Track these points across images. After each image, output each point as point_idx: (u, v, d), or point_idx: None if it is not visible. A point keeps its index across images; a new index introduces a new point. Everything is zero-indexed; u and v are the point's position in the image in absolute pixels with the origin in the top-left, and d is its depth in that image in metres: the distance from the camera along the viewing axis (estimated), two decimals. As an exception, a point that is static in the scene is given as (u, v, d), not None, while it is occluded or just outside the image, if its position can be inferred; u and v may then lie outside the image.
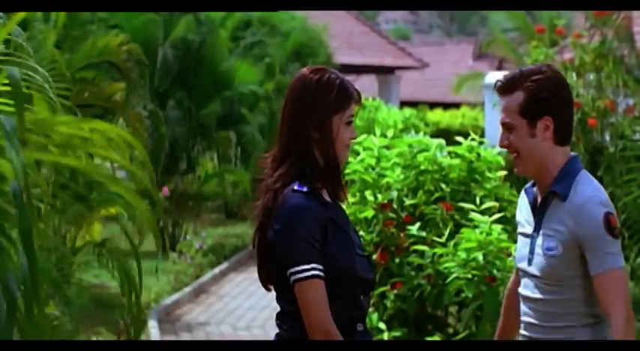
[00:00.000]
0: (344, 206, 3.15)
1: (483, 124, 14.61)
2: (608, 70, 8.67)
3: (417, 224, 5.97)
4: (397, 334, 5.92)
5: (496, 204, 5.96)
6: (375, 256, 5.95)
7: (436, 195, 6.08)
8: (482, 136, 6.68)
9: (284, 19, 17.02)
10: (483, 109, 14.69)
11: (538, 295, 3.13)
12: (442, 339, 5.96)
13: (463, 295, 5.49)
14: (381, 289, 5.99)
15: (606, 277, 3.01)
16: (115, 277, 5.60)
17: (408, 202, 6.11)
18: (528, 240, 3.18)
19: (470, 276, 5.44)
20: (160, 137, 11.80)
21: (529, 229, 3.19)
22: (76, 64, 8.22)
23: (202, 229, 13.02)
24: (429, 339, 5.86)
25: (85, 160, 2.23)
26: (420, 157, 6.18)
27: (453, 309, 6.23)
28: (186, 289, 10.21)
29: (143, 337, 7.89)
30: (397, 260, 6.04)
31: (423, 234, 5.92)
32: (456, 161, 6.16)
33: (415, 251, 5.88)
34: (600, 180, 8.00)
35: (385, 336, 5.88)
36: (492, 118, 10.87)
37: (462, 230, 5.59)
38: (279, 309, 3.07)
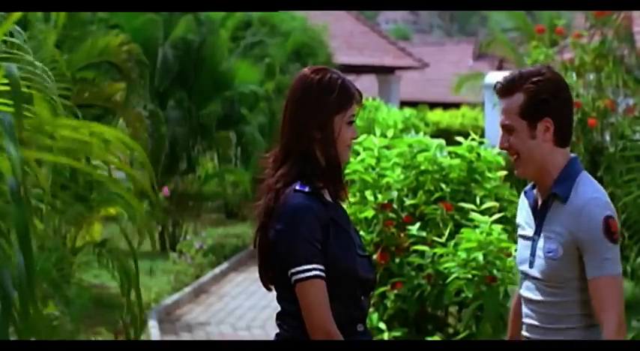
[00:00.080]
0: (344, 206, 3.15)
1: (483, 124, 14.63)
2: (608, 70, 8.68)
3: (417, 224, 5.97)
4: (397, 334, 5.92)
5: (496, 204, 5.96)
6: (375, 256, 5.95)
7: (436, 195, 6.08)
8: (482, 136, 6.68)
9: (284, 19, 17.01)
10: (483, 109, 14.71)
11: (539, 297, 3.13)
12: (442, 339, 5.96)
13: (463, 295, 5.49)
14: (382, 289, 6.00)
15: (602, 282, 3.01)
16: (114, 277, 5.61)
17: (408, 202, 6.11)
18: (529, 242, 3.18)
19: (470, 276, 5.44)
20: (160, 137, 11.81)
21: (530, 232, 3.19)
22: (76, 64, 8.22)
23: (202, 229, 13.02)
24: (429, 339, 5.86)
25: (85, 162, 2.23)
26: (420, 157, 6.18)
27: (453, 309, 6.23)
28: (187, 289, 10.21)
29: (143, 337, 7.89)
30: (397, 260, 6.04)
31: (423, 234, 5.92)
32: (456, 161, 6.16)
33: (415, 251, 5.88)
34: (600, 180, 8.01)
35: (385, 336, 5.88)
36: (492, 118, 10.88)
37: (462, 230, 5.59)
38: (279, 309, 3.07)
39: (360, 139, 6.31)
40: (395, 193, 6.11)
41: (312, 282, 2.90)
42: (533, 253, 3.15)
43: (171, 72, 12.46)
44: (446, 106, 26.55)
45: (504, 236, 5.51)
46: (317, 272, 2.90)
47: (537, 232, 3.15)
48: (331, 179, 3.05)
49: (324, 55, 17.32)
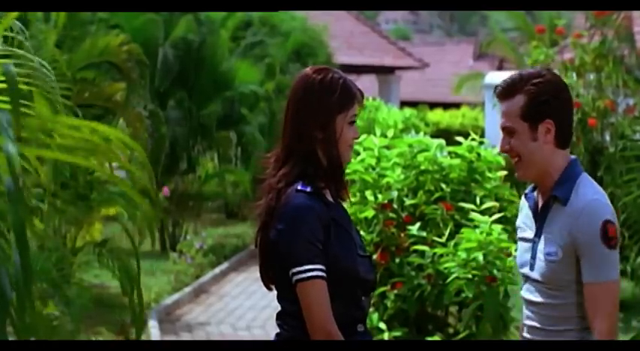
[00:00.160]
0: (345, 206, 3.15)
1: (483, 124, 14.65)
2: (609, 70, 8.68)
3: (418, 224, 5.97)
4: (397, 334, 5.92)
5: (496, 204, 5.96)
6: (375, 256, 5.95)
7: (436, 195, 6.08)
8: (482, 136, 6.68)
9: (284, 19, 17.02)
10: (483, 109, 14.72)
11: (540, 299, 3.13)
12: (442, 339, 5.96)
13: (463, 295, 5.49)
14: (382, 289, 6.00)
15: (595, 288, 3.01)
16: (115, 275, 5.61)
17: (408, 202, 6.11)
18: (530, 245, 3.18)
19: (470, 276, 5.44)
20: (161, 137, 11.81)
21: (530, 234, 3.19)
22: (77, 64, 8.22)
23: (203, 229, 13.02)
24: (429, 339, 5.86)
25: (86, 160, 2.23)
26: (421, 157, 6.18)
27: (453, 309, 6.23)
28: (187, 289, 10.21)
29: (143, 337, 7.89)
30: (397, 260, 6.04)
31: (424, 234, 5.92)
32: (456, 161, 6.16)
33: (415, 251, 5.88)
34: (600, 180, 8.02)
35: (385, 336, 5.88)
36: (492, 118, 10.88)
37: (462, 230, 5.59)
38: (279, 309, 3.08)
39: (360, 139, 6.31)
40: (395, 193, 6.11)
41: (313, 282, 2.90)
42: (533, 256, 3.15)
43: (171, 72, 12.46)
44: (446, 106, 26.55)
45: (504, 236, 5.51)
46: (318, 272, 2.90)
47: (538, 235, 3.15)
48: (333, 179, 3.05)
49: (324, 55, 17.33)
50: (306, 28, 17.57)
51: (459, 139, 6.32)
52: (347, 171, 6.04)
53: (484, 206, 5.78)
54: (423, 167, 6.17)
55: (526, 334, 3.21)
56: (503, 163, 6.21)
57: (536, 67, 8.31)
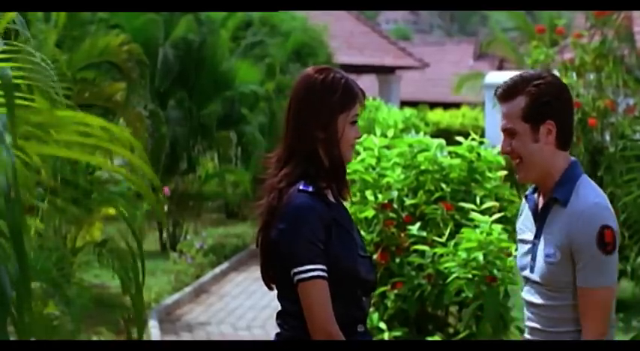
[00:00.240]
0: (346, 205, 3.16)
1: (484, 124, 14.65)
2: (609, 70, 8.67)
3: (418, 224, 5.97)
4: (398, 333, 5.92)
5: (496, 204, 5.96)
6: (375, 256, 5.96)
7: (436, 195, 6.08)
8: (482, 136, 6.68)
9: (284, 19, 17.02)
10: (484, 109, 14.73)
11: (540, 301, 3.13)
12: (443, 339, 5.96)
13: (463, 294, 5.49)
14: (382, 288, 6.00)
15: (588, 293, 3.00)
16: (117, 274, 5.61)
17: (408, 201, 6.11)
18: (530, 246, 3.18)
19: (470, 276, 5.44)
20: (161, 137, 11.82)
21: (530, 236, 3.19)
22: (77, 64, 8.22)
23: (203, 228, 13.02)
24: (429, 339, 5.87)
25: (87, 154, 2.23)
26: (421, 157, 6.19)
27: (453, 309, 6.23)
28: (187, 289, 10.21)
29: (143, 337, 7.88)
30: (397, 260, 6.04)
31: (424, 234, 5.92)
32: (457, 161, 6.16)
33: (415, 251, 5.89)
34: (600, 180, 8.02)
35: (386, 336, 5.88)
36: (493, 118, 10.89)
37: (463, 230, 5.59)
38: (279, 308, 3.08)
39: (360, 139, 6.31)
40: (395, 193, 6.11)
41: (314, 282, 2.90)
42: (533, 258, 3.15)
43: (171, 72, 12.46)
44: (446, 105, 26.56)
45: (504, 236, 5.51)
46: (319, 272, 2.90)
47: (537, 236, 3.14)
48: (335, 179, 3.05)
49: (324, 55, 17.33)
50: (307, 28, 17.57)
51: (459, 139, 6.32)
52: (347, 171, 6.05)
53: (484, 206, 5.78)
54: (423, 167, 6.17)
55: (527, 336, 3.22)
56: (503, 163, 6.21)
57: (537, 68, 8.33)
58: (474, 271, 5.44)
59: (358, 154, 6.26)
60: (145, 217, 9.88)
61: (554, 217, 3.10)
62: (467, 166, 6.16)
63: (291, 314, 3.01)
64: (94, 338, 7.51)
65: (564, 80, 7.63)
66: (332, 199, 3.04)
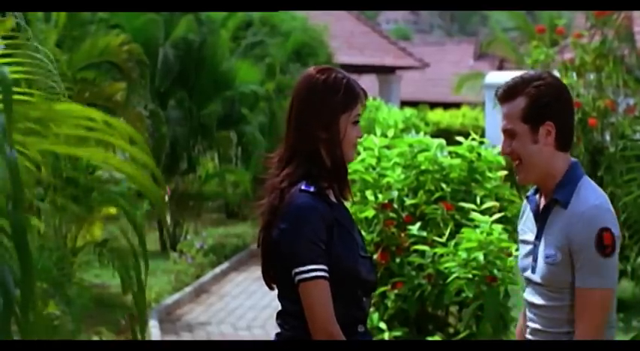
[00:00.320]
0: (347, 205, 3.16)
1: (484, 124, 14.65)
2: (609, 70, 8.68)
3: (418, 224, 5.97)
4: (398, 333, 5.92)
5: (496, 204, 5.96)
6: (375, 256, 5.96)
7: (437, 195, 6.08)
8: (482, 135, 6.68)
9: (284, 19, 17.03)
10: (484, 108, 14.73)
11: (542, 302, 3.13)
12: (443, 339, 5.96)
13: (464, 294, 5.49)
14: (382, 288, 6.00)
15: (586, 294, 3.00)
16: (118, 274, 5.61)
17: (408, 201, 6.11)
18: (531, 247, 3.18)
19: (470, 276, 5.44)
20: (161, 137, 11.82)
21: (531, 237, 3.19)
22: (77, 64, 8.24)
23: (203, 228, 13.03)
24: (429, 339, 5.87)
25: (90, 149, 2.22)
26: (421, 157, 6.19)
27: (453, 309, 6.23)
28: (187, 289, 10.21)
29: (140, 337, 7.88)
30: (398, 260, 6.04)
31: (424, 234, 5.92)
32: (457, 161, 6.16)
33: (416, 251, 5.89)
34: (601, 180, 8.02)
35: (386, 336, 5.88)
36: (493, 118, 10.89)
37: (463, 230, 5.59)
38: (280, 308, 3.08)
39: (361, 139, 6.31)
40: (395, 193, 6.11)
41: (315, 282, 2.90)
42: (535, 259, 3.14)
43: (171, 72, 12.47)
44: (446, 105, 26.57)
45: (505, 236, 5.51)
46: (321, 273, 2.90)
47: (538, 237, 3.14)
48: (336, 179, 3.05)
49: (324, 55, 17.34)
50: (307, 28, 17.58)
51: (460, 138, 6.32)
52: (348, 171, 6.05)
53: (484, 206, 5.78)
54: (423, 167, 6.17)
55: (529, 336, 3.21)
56: (503, 163, 6.21)
57: (537, 68, 8.33)
58: (474, 271, 5.44)
59: (358, 154, 6.26)
60: (145, 217, 9.90)
61: (554, 219, 3.10)
62: (467, 166, 6.16)
63: (291, 314, 3.01)
64: (95, 338, 7.51)
65: (564, 80, 7.63)
66: (333, 199, 3.04)
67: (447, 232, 5.81)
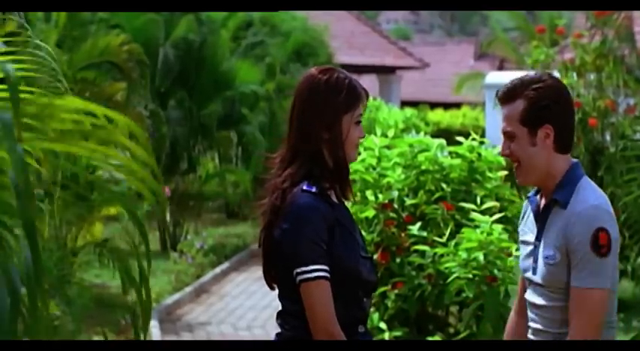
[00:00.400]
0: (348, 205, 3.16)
1: (484, 124, 14.63)
2: (609, 70, 8.68)
3: (418, 224, 5.97)
4: (398, 333, 5.92)
5: (497, 204, 5.96)
6: (376, 256, 5.96)
7: (437, 195, 6.08)
8: (482, 136, 6.68)
9: (285, 19, 17.02)
10: (484, 109, 14.71)
11: (543, 302, 3.12)
12: (443, 339, 5.96)
13: (464, 294, 5.49)
14: (382, 288, 6.00)
15: (580, 293, 2.99)
16: (117, 273, 5.61)
17: (408, 201, 6.11)
18: (531, 248, 3.17)
19: (471, 276, 5.44)
20: (161, 137, 11.82)
21: (532, 238, 3.18)
22: (77, 64, 8.24)
23: (203, 228, 13.03)
24: (429, 339, 5.87)
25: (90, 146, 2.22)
26: (421, 157, 6.19)
27: (453, 309, 6.23)
28: (187, 289, 10.22)
29: (143, 337, 7.88)
30: (398, 260, 6.05)
31: (424, 234, 5.92)
32: (457, 161, 6.17)
33: (416, 251, 5.89)
34: (601, 180, 8.02)
35: (386, 336, 5.88)
36: (493, 118, 10.89)
37: (463, 230, 5.59)
38: (280, 308, 3.08)
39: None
40: (396, 193, 6.12)
41: (317, 282, 2.90)
42: (535, 260, 3.14)
43: (172, 72, 12.47)
44: (447, 106, 26.56)
45: (505, 236, 5.51)
46: (322, 273, 2.91)
47: (539, 238, 3.14)
48: (338, 179, 3.06)
49: (324, 55, 17.33)
50: (307, 28, 17.57)
51: (460, 139, 6.32)
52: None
53: (485, 206, 5.78)
54: (423, 167, 6.17)
55: (530, 336, 3.21)
56: (503, 163, 6.21)
57: (537, 68, 8.32)
58: (475, 271, 5.44)
59: (359, 154, 6.26)
60: (145, 217, 9.90)
61: (554, 219, 3.10)
62: (467, 166, 6.17)
63: (291, 314, 3.01)
64: (95, 338, 7.51)
65: (565, 80, 7.64)
66: (335, 199, 3.05)
67: (447, 232, 5.81)
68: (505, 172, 6.24)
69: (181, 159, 12.95)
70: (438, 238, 5.77)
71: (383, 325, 5.95)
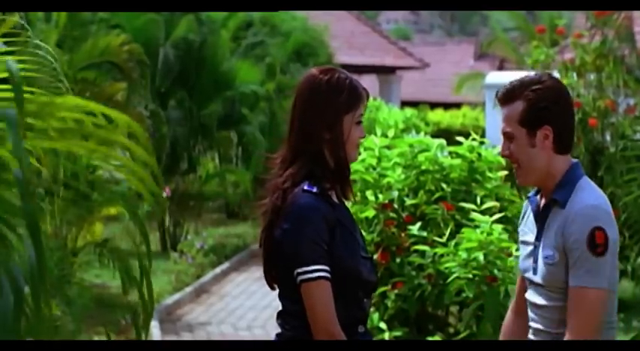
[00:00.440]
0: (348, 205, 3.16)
1: (484, 124, 14.64)
2: (609, 70, 8.68)
3: (418, 224, 5.97)
4: (398, 333, 5.93)
5: (497, 204, 5.96)
6: (376, 256, 5.96)
7: (437, 195, 6.08)
8: (483, 136, 6.68)
9: (285, 20, 17.02)
10: (484, 109, 14.71)
11: (543, 302, 3.12)
12: (443, 339, 5.96)
13: (464, 294, 5.49)
14: (382, 288, 6.00)
15: (577, 292, 2.99)
16: (118, 273, 5.62)
17: (408, 201, 6.11)
18: (532, 249, 3.17)
19: (471, 276, 5.44)
20: (161, 137, 11.83)
21: (532, 238, 3.19)
22: (78, 65, 8.24)
23: (203, 228, 13.03)
24: (429, 339, 5.87)
25: (87, 145, 2.22)
26: (421, 157, 6.19)
27: (453, 309, 6.23)
28: (188, 289, 10.22)
29: (143, 337, 7.88)
30: (398, 260, 6.05)
31: (424, 234, 5.92)
32: (457, 161, 6.17)
33: (416, 251, 5.89)
34: (601, 180, 8.02)
35: (386, 336, 5.88)
36: (493, 118, 10.89)
37: (463, 230, 5.59)
38: (280, 308, 3.08)
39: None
40: (396, 193, 6.12)
41: (318, 283, 2.90)
42: (535, 260, 3.14)
43: (172, 72, 12.47)
44: (447, 106, 26.56)
45: (505, 236, 5.51)
46: (323, 273, 2.91)
47: (538, 238, 3.15)
48: (339, 179, 3.06)
49: (325, 55, 17.33)
50: (307, 28, 17.57)
51: (460, 139, 6.32)
52: (348, 171, 6.05)
53: (485, 206, 5.78)
54: (423, 167, 6.18)
55: (531, 336, 3.21)
56: (503, 163, 6.21)
57: (537, 68, 8.32)
58: (475, 271, 5.44)
59: (359, 154, 6.26)
60: (145, 217, 9.90)
61: (553, 219, 3.10)
62: (467, 166, 6.17)
63: (292, 314, 3.01)
64: (95, 338, 7.51)
65: (565, 80, 7.63)
66: (335, 199, 3.05)
67: (448, 232, 5.81)
68: (505, 172, 6.24)
69: (181, 159, 12.95)
70: (438, 238, 5.77)
71: (383, 325, 5.95)
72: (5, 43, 2.50)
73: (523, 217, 3.32)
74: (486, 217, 5.58)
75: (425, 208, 6.04)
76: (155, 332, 8.38)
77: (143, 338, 2.46)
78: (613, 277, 3.07)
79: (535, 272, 3.14)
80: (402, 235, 6.04)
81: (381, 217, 6.09)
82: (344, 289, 2.96)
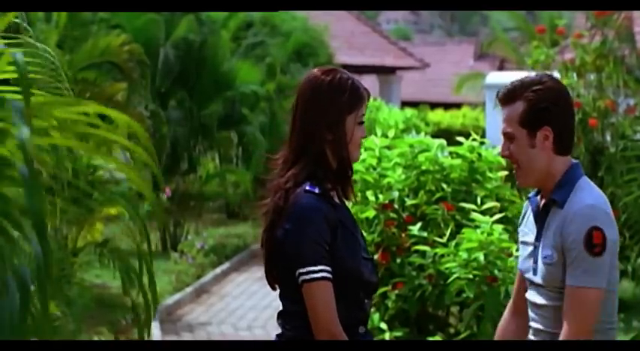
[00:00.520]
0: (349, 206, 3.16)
1: (484, 125, 14.64)
2: (609, 71, 8.68)
3: (419, 224, 5.97)
4: (399, 334, 5.93)
5: (497, 204, 5.96)
6: (376, 257, 5.96)
7: (437, 195, 6.08)
8: (483, 136, 6.68)
9: (285, 20, 17.03)
10: (484, 109, 14.71)
11: (543, 302, 3.13)
12: (443, 339, 5.96)
13: (464, 295, 5.49)
14: (383, 289, 6.00)
15: (573, 292, 2.99)
16: (118, 273, 5.62)
17: (409, 202, 6.11)
18: (531, 249, 3.18)
19: (471, 276, 5.44)
20: (162, 137, 11.83)
21: (531, 238, 3.19)
22: (78, 65, 8.24)
23: (204, 229, 13.03)
24: (430, 339, 5.87)
25: (90, 146, 2.21)
26: (421, 158, 6.19)
27: (454, 309, 6.23)
28: (188, 289, 10.22)
29: (147, 335, 7.88)
30: (398, 260, 6.05)
31: (424, 234, 5.92)
32: (457, 161, 6.17)
33: (416, 251, 5.89)
34: (601, 180, 8.03)
35: (387, 336, 5.88)
36: (493, 118, 10.89)
37: (463, 230, 5.59)
38: (281, 308, 3.08)
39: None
40: (396, 193, 6.12)
41: (319, 283, 2.90)
42: (535, 261, 3.14)
43: (172, 72, 12.48)
44: (447, 106, 26.55)
45: (505, 236, 5.51)
46: (325, 274, 2.91)
47: (538, 238, 3.15)
48: (341, 180, 3.06)
49: (325, 56, 17.33)
50: (307, 28, 17.57)
51: (460, 139, 6.32)
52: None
53: (485, 206, 5.78)
54: (424, 167, 6.18)
55: (531, 336, 3.22)
56: (504, 163, 6.21)
57: (538, 71, 8.32)
58: (475, 272, 5.44)
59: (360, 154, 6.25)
60: (145, 217, 9.90)
61: (552, 219, 3.10)
62: (468, 167, 6.17)
63: (292, 314, 3.01)
64: (95, 338, 7.51)
65: (565, 81, 7.64)
66: (337, 200, 3.05)
67: (448, 233, 5.81)
68: (505, 173, 6.24)
69: (182, 159, 12.96)
70: (439, 239, 5.77)
71: (383, 326, 5.95)
72: (6, 44, 2.50)
73: (523, 218, 3.32)
74: (487, 218, 5.58)
75: (425, 208, 6.04)
76: (155, 332, 8.38)
77: (145, 338, 2.46)
78: (613, 278, 3.07)
79: (535, 273, 3.14)
80: (403, 235, 6.03)
81: (382, 217, 6.09)
82: (345, 289, 2.96)
